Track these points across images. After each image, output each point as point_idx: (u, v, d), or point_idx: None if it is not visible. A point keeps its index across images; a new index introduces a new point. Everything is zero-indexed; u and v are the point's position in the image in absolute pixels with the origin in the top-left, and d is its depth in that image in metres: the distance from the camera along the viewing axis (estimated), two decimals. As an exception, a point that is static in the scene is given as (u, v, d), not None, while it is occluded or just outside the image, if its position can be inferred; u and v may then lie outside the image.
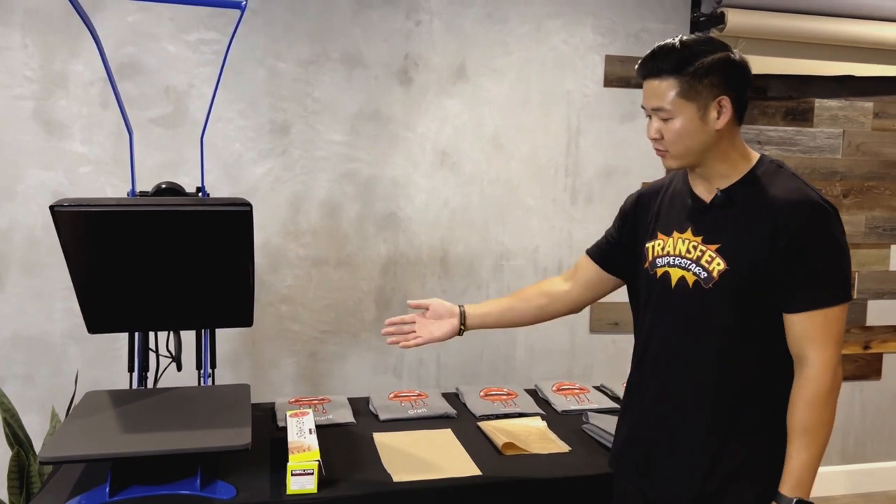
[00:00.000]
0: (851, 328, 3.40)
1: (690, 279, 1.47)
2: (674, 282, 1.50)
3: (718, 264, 1.43)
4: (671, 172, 1.66)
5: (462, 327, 1.78)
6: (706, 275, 1.44)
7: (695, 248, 1.47)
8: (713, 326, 1.44)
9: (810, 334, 1.37)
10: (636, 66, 1.48)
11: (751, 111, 3.18)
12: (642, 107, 1.48)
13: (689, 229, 1.50)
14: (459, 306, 1.79)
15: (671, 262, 1.51)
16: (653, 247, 1.57)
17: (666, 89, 1.41)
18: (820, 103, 3.25)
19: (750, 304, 1.42)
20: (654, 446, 1.53)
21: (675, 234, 1.52)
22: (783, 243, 1.37)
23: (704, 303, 1.45)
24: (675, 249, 1.51)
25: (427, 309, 1.80)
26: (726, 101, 1.42)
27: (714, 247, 1.44)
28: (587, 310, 3.03)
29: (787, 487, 1.37)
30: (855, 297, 3.39)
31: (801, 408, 1.37)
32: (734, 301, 1.42)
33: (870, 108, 3.31)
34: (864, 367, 3.44)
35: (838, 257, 1.39)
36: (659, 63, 1.42)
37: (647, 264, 1.58)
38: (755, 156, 1.49)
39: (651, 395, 1.55)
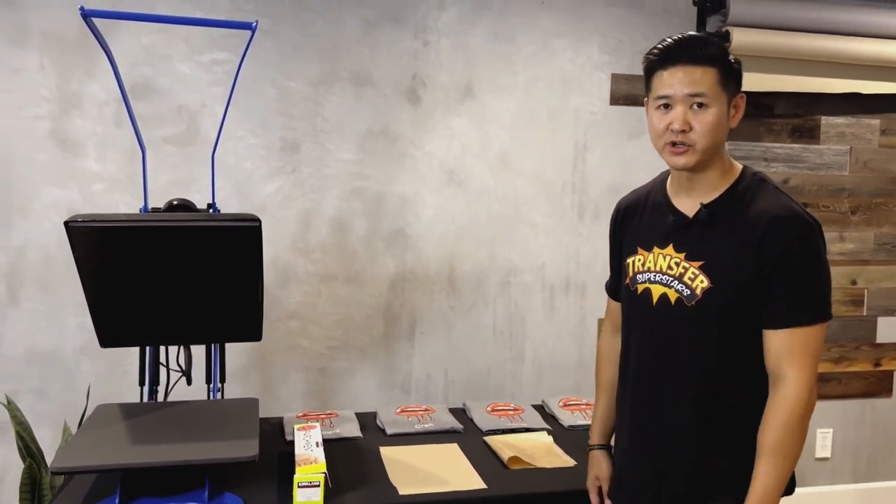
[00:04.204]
0: (861, 345, 3.39)
1: (673, 296, 1.44)
2: (655, 299, 1.48)
3: (702, 282, 1.41)
4: (647, 184, 1.64)
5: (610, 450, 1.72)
6: (689, 292, 1.42)
7: (677, 264, 1.45)
8: (696, 343, 1.42)
9: (790, 352, 1.35)
10: (659, 52, 1.41)
11: (757, 128, 3.20)
12: (662, 95, 1.40)
13: (671, 245, 1.47)
14: (599, 451, 1.70)
15: (652, 279, 1.49)
16: (633, 262, 1.55)
17: (708, 76, 1.36)
18: (826, 120, 3.26)
19: (734, 320, 1.39)
20: (652, 472, 1.51)
21: (656, 250, 1.49)
22: (770, 260, 1.35)
23: (687, 320, 1.42)
24: (655, 265, 1.49)
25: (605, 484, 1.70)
26: (742, 101, 1.43)
27: (697, 264, 1.42)
28: (594, 325, 3.05)
29: None
30: (864, 314, 3.38)
31: (776, 427, 1.35)
32: (718, 318, 1.40)
33: (876, 125, 3.32)
34: (875, 385, 3.42)
35: (822, 275, 1.38)
36: (700, 49, 1.37)
37: (627, 280, 1.56)
38: (739, 167, 1.48)
39: (638, 416, 1.53)
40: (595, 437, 1.72)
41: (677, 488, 1.46)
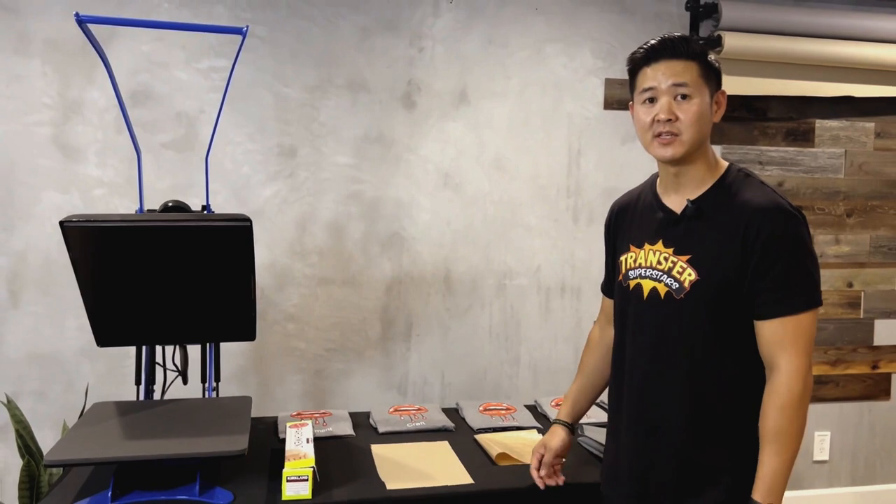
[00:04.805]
0: (858, 348, 3.39)
1: (662, 290, 1.49)
2: (646, 293, 1.52)
3: (690, 275, 1.45)
4: (639, 186, 1.70)
5: (573, 433, 1.81)
6: (678, 285, 1.46)
7: (666, 259, 1.49)
8: (686, 336, 1.46)
9: (782, 341, 1.39)
10: (643, 50, 1.48)
11: (751, 132, 3.23)
12: (647, 88, 1.46)
13: (660, 241, 1.52)
14: (560, 426, 1.78)
15: (643, 274, 1.53)
16: (625, 259, 1.59)
17: (690, 69, 1.44)
18: (821, 124, 3.28)
19: (722, 312, 1.43)
20: (644, 465, 1.53)
21: (647, 246, 1.54)
22: (755, 250, 1.39)
23: (676, 313, 1.46)
24: (646, 261, 1.53)
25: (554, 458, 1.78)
26: (724, 98, 1.50)
27: (685, 257, 1.46)
28: (589, 328, 3.07)
29: (759, 494, 1.38)
30: (861, 316, 3.39)
31: (773, 414, 1.38)
32: (706, 310, 1.43)
33: (871, 128, 3.33)
34: (873, 388, 3.42)
35: (809, 263, 1.41)
36: (682, 46, 1.45)
37: (620, 277, 1.61)
38: (724, 164, 1.53)
39: (631, 409, 1.56)
40: (560, 413, 1.81)
41: (668, 479, 1.49)
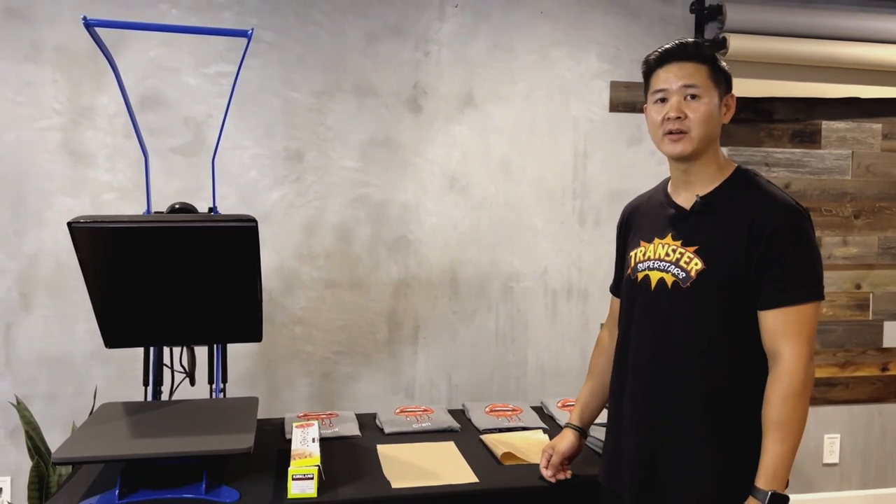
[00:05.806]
0: (868, 350, 3.37)
1: (669, 280, 1.52)
2: (653, 284, 1.55)
3: (696, 264, 1.48)
4: (650, 189, 1.74)
5: (584, 436, 1.84)
6: (684, 275, 1.50)
7: (674, 251, 1.53)
8: (692, 325, 1.48)
9: (783, 331, 1.42)
10: (657, 54, 1.55)
11: (757, 133, 3.22)
12: (659, 89, 1.53)
13: (669, 235, 1.56)
14: (572, 430, 1.82)
15: (651, 266, 1.57)
16: (635, 254, 1.63)
17: (700, 71, 1.51)
18: (827, 125, 3.28)
19: (728, 302, 1.46)
20: (647, 456, 1.54)
21: (656, 241, 1.58)
22: (759, 243, 1.43)
23: (683, 302, 1.50)
24: (655, 254, 1.57)
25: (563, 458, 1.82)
26: (733, 101, 1.56)
27: (693, 249, 1.50)
28: (596, 330, 3.07)
29: (762, 481, 1.39)
30: (870, 318, 3.37)
31: (776, 402, 1.41)
32: (712, 299, 1.46)
33: (878, 129, 3.33)
34: (882, 390, 3.40)
35: (812, 256, 1.45)
36: (692, 49, 1.53)
37: (629, 271, 1.64)
38: (733, 164, 1.58)
39: (635, 400, 1.57)
40: (571, 417, 1.84)
41: (672, 468, 1.50)
